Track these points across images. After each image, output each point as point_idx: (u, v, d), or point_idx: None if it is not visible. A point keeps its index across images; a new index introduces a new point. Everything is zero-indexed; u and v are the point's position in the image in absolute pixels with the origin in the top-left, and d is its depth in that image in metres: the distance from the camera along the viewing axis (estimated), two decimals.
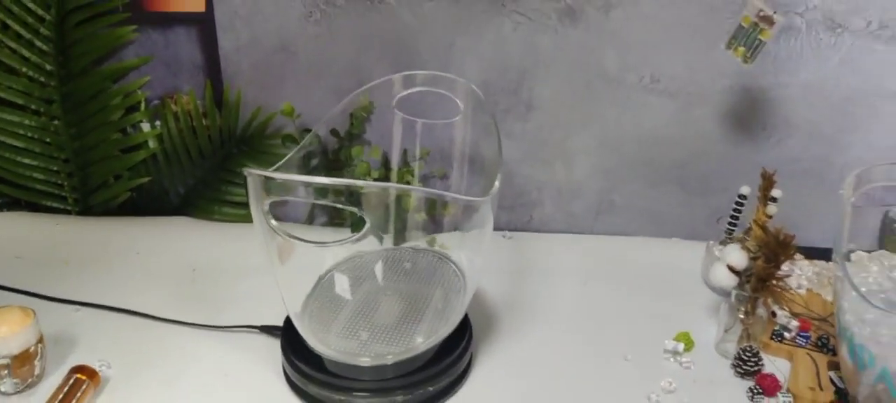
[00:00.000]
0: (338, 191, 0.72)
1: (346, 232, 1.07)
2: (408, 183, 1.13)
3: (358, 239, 0.74)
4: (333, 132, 1.15)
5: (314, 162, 1.15)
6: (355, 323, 0.84)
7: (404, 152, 1.15)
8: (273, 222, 0.73)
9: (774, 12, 0.90)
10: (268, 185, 0.71)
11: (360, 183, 0.72)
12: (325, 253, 0.94)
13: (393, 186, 0.71)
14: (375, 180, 1.13)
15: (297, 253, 0.82)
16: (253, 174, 0.71)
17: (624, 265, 1.11)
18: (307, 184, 0.72)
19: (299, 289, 0.87)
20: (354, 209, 0.72)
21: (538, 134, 1.15)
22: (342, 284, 0.91)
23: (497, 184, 0.80)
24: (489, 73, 1.12)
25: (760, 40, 0.89)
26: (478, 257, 0.88)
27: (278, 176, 0.71)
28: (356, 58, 1.14)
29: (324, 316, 0.85)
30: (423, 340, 0.81)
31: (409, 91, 0.98)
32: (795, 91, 1.08)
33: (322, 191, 0.73)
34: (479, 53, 1.11)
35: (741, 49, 0.91)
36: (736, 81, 1.09)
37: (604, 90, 1.11)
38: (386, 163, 1.16)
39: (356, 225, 1.09)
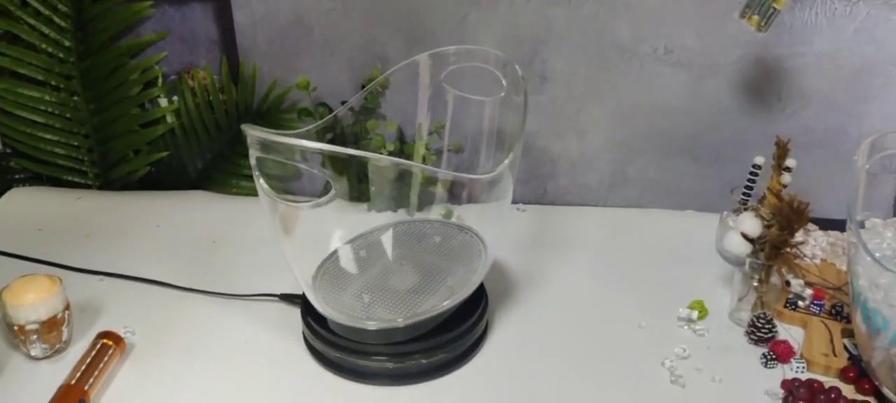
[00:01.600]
0: (335, 159, 0.75)
1: (362, 207, 1.08)
2: (422, 157, 1.14)
3: (326, 202, 0.76)
4: (344, 104, 1.16)
5: (329, 135, 1.16)
6: (366, 289, 0.86)
7: (419, 126, 1.16)
8: (261, 181, 0.76)
9: None
10: (254, 141, 0.74)
11: (340, 149, 0.73)
12: (339, 222, 0.96)
13: (370, 155, 0.71)
14: (389, 154, 1.14)
15: (306, 222, 0.84)
16: (245, 128, 0.74)
17: (638, 236, 1.12)
18: (285, 144, 0.73)
19: (310, 258, 0.89)
20: (326, 173, 0.74)
21: (552, 106, 1.16)
22: (355, 253, 0.93)
23: (506, 162, 0.79)
24: (502, 46, 1.12)
25: (774, 8, 0.89)
26: (496, 227, 0.89)
27: (261, 134, 0.73)
28: (370, 31, 1.14)
29: (334, 284, 0.87)
30: (437, 305, 0.82)
31: (452, 68, 0.96)
32: (810, 61, 1.08)
33: (307, 154, 0.75)
34: (492, 26, 1.12)
35: (755, 17, 0.90)
36: (749, 52, 1.09)
37: (617, 61, 1.11)
38: (401, 137, 1.18)
39: (373, 200, 1.11)
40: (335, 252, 0.92)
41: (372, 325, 0.81)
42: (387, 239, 0.96)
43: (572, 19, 1.10)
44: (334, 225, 0.94)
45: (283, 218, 0.80)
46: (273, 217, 0.80)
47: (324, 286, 0.86)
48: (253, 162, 0.75)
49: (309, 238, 0.90)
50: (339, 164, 1.09)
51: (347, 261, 0.91)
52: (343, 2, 1.13)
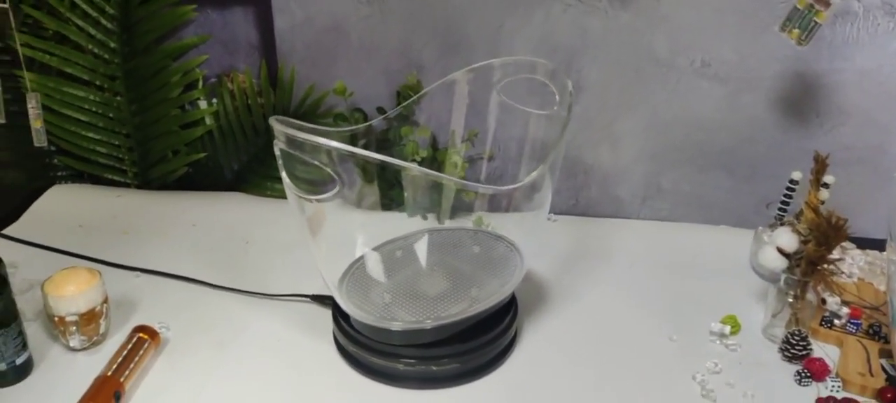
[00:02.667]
0: (367, 163, 0.75)
1: (395, 213, 1.09)
2: (454, 164, 1.15)
3: (329, 199, 0.77)
4: (379, 110, 1.17)
5: (363, 141, 1.18)
6: (391, 291, 0.87)
7: (452, 133, 1.17)
8: (284, 173, 0.78)
9: None
10: (280, 135, 0.75)
11: (362, 151, 0.73)
12: (371, 226, 0.97)
13: (390, 161, 0.72)
14: (422, 159, 1.15)
15: (337, 224, 0.85)
16: (273, 121, 0.76)
17: (670, 250, 1.11)
18: (310, 142, 0.74)
19: (339, 259, 0.90)
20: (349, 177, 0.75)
21: (585, 116, 1.16)
22: (386, 257, 0.93)
23: (534, 174, 0.79)
24: (537, 55, 1.12)
25: (815, 22, 0.88)
26: (533, 238, 0.89)
27: (287, 129, 0.74)
28: (406, 38, 1.16)
29: (361, 285, 0.88)
30: (462, 312, 0.82)
31: (506, 79, 0.97)
32: (850, 76, 1.06)
33: (332, 155, 0.75)
34: (528, 35, 1.12)
35: (796, 31, 0.90)
36: (788, 66, 1.07)
37: (653, 74, 1.11)
38: (434, 144, 1.18)
39: (406, 206, 1.12)
40: (363, 255, 0.93)
41: (396, 326, 0.81)
42: (421, 245, 0.97)
43: (609, 30, 1.10)
44: (367, 229, 0.95)
45: (311, 220, 0.81)
46: (299, 215, 0.81)
47: (351, 286, 0.87)
48: (277, 152, 0.77)
49: (339, 240, 0.92)
50: (370, 169, 1.10)
51: (376, 264, 0.92)
52: (380, 8, 1.14)
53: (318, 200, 0.78)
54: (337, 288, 0.86)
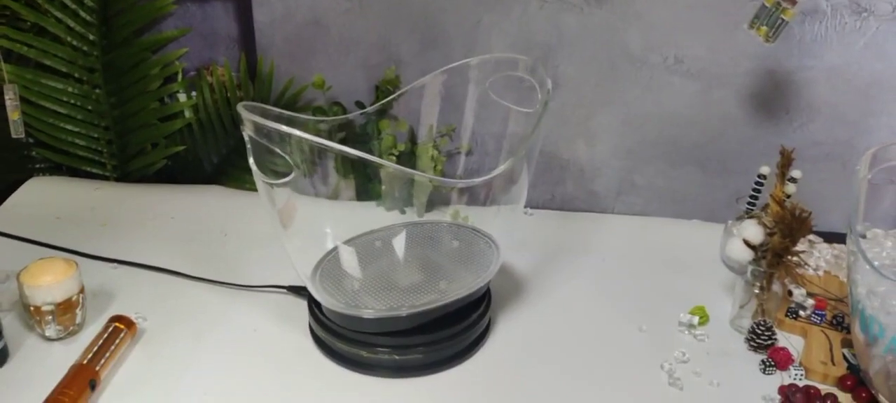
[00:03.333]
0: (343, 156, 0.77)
1: (376, 208, 1.10)
2: (432, 158, 1.16)
3: (282, 184, 0.79)
4: (358, 104, 1.18)
5: (341, 135, 1.19)
6: (363, 280, 0.88)
7: (430, 127, 1.18)
8: (251, 160, 0.79)
9: None
10: (248, 124, 0.76)
11: (328, 143, 0.74)
12: (346, 218, 0.98)
13: (351, 152, 0.72)
14: (400, 153, 1.16)
15: (312, 216, 0.86)
16: (240, 108, 0.77)
17: (643, 244, 1.13)
18: (278, 131, 0.75)
19: (312, 251, 0.91)
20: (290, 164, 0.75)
21: (561, 112, 1.17)
22: (361, 249, 0.95)
23: (501, 167, 0.81)
24: (514, 50, 1.14)
25: (783, 19, 0.90)
26: (508, 231, 0.90)
27: (254, 117, 0.75)
28: (385, 33, 1.17)
29: (335, 275, 0.89)
30: (432, 302, 0.84)
31: (497, 76, 0.97)
32: (819, 74, 1.09)
33: (286, 140, 0.76)
34: (505, 30, 1.14)
35: (763, 28, 0.92)
36: (759, 64, 1.10)
37: (627, 70, 1.13)
38: (412, 138, 1.20)
39: (383, 199, 1.13)
40: (336, 246, 0.94)
41: (367, 314, 0.82)
42: (397, 238, 0.98)
43: (584, 27, 1.11)
44: (341, 221, 0.96)
45: (282, 212, 0.83)
46: (270, 207, 0.82)
47: (324, 276, 0.88)
48: (246, 138, 0.78)
49: (313, 231, 0.93)
50: (346, 162, 1.11)
51: (349, 255, 0.93)
52: (360, 3, 1.15)
53: (275, 185, 0.79)
54: (310, 278, 0.87)
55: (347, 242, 0.95)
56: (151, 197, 1.22)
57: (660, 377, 0.84)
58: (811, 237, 1.08)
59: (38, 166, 1.30)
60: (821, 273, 1.03)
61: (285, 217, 0.84)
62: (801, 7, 0.92)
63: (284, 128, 0.74)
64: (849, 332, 0.89)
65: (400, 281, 0.88)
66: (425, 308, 0.83)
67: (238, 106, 0.77)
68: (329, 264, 0.91)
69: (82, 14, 1.20)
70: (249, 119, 0.76)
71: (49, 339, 0.86)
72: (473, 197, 1.12)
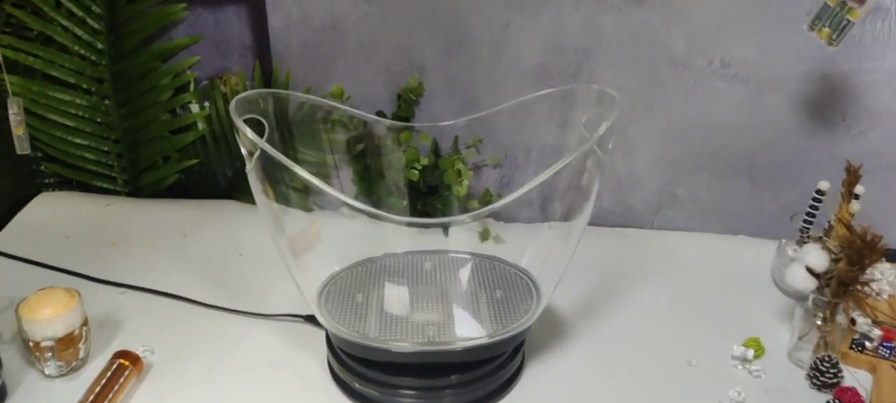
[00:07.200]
0: (362, 174, 0.70)
1: (396, 228, 1.03)
2: (458, 171, 1.09)
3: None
4: (379, 113, 1.12)
5: (360, 146, 1.12)
6: (377, 309, 0.81)
7: (455, 139, 1.11)
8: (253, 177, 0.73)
9: None
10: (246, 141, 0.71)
11: (321, 184, 0.68)
12: (372, 239, 0.91)
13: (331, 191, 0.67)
14: (424, 167, 1.08)
15: (333, 232, 0.81)
16: (237, 120, 0.71)
17: (687, 263, 1.04)
18: (276, 160, 0.70)
19: (319, 273, 0.86)
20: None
21: None
22: (376, 273, 0.87)
23: (522, 191, 0.70)
24: (546, 55, 1.07)
25: (848, 20, 0.82)
26: (556, 269, 0.81)
27: (254, 137, 0.70)
28: (407, 37, 1.10)
29: (347, 301, 0.82)
30: (452, 343, 0.76)
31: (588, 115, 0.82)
32: (880, 77, 1.00)
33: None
34: (537, 33, 1.06)
35: (826, 30, 0.83)
36: (813, 67, 1.01)
37: (669, 74, 1.05)
38: (436, 150, 1.12)
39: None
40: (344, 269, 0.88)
41: (396, 347, 0.75)
42: (425, 266, 0.90)
43: (622, 28, 1.03)
44: (360, 241, 0.90)
45: (292, 241, 0.76)
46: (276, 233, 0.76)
47: (330, 300, 0.82)
48: (244, 152, 0.73)
49: (328, 248, 0.87)
50: (365, 180, 1.04)
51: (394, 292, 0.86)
52: (380, 6, 1.08)
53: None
54: (316, 304, 0.80)
55: (364, 264, 0.88)
56: (163, 213, 1.17)
57: None
58: None
59: (47, 181, 1.25)
60: (885, 297, 0.94)
61: (303, 242, 0.78)
62: (867, 6, 0.83)
63: (285, 160, 0.68)
64: None
65: (423, 317, 0.80)
66: (451, 348, 0.76)
67: (235, 118, 0.72)
68: (336, 288, 0.84)
69: (90, 22, 1.14)
70: (248, 139, 0.70)
71: (49, 377, 0.80)
72: (504, 214, 1.05)
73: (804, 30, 0.86)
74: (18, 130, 1.05)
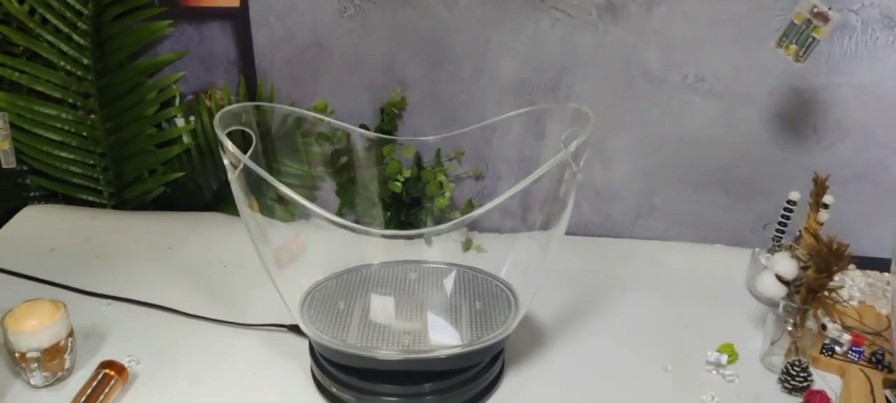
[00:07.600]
0: (343, 187, 0.72)
1: (378, 241, 1.05)
2: (440, 183, 1.11)
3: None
4: (362, 126, 1.13)
5: (343, 159, 1.14)
6: (359, 317, 0.82)
7: (437, 152, 1.13)
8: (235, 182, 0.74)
9: (829, 9, 0.85)
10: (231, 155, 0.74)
11: (308, 203, 0.69)
12: (355, 250, 0.93)
13: (306, 204, 0.67)
14: (407, 179, 1.11)
15: (317, 243, 0.82)
16: (221, 135, 0.73)
17: (664, 271, 1.07)
18: (257, 174, 0.72)
19: (302, 283, 0.87)
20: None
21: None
22: (359, 284, 0.89)
23: (508, 193, 0.71)
24: (526, 71, 1.09)
25: (813, 38, 0.85)
26: (533, 279, 0.83)
27: (237, 152, 0.72)
28: (390, 54, 1.12)
29: (329, 309, 0.84)
30: (432, 351, 0.78)
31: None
32: (849, 92, 1.03)
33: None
34: (516, 50, 1.08)
35: (793, 47, 0.86)
36: (784, 82, 1.04)
37: (645, 89, 1.07)
38: (418, 162, 1.14)
39: (388, 227, 1.08)
40: (327, 278, 0.89)
41: (378, 356, 0.76)
42: (406, 275, 0.92)
43: (599, 45, 1.06)
44: (340, 252, 0.91)
45: (277, 252, 0.78)
46: (260, 244, 0.77)
47: (313, 309, 0.83)
48: (227, 163, 0.74)
49: (311, 259, 0.88)
50: (348, 192, 1.06)
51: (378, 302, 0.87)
52: (363, 23, 1.11)
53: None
54: (299, 312, 0.82)
55: (345, 274, 0.89)
56: (148, 225, 1.17)
57: None
58: None
59: (32, 194, 1.25)
60: (855, 303, 0.97)
61: (287, 254, 0.79)
62: (831, 24, 0.86)
63: (265, 174, 0.70)
64: (890, 371, 0.83)
65: (403, 326, 0.82)
66: (431, 355, 0.77)
67: (219, 132, 0.74)
68: (319, 297, 0.85)
69: (76, 38, 1.16)
70: (233, 154, 0.71)
71: (35, 387, 0.81)
72: (484, 223, 1.06)
73: (772, 47, 0.90)
74: (4, 144, 1.06)
